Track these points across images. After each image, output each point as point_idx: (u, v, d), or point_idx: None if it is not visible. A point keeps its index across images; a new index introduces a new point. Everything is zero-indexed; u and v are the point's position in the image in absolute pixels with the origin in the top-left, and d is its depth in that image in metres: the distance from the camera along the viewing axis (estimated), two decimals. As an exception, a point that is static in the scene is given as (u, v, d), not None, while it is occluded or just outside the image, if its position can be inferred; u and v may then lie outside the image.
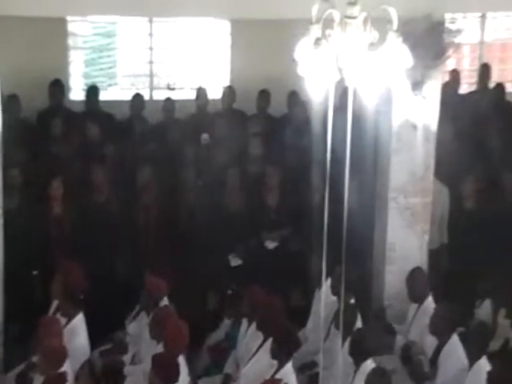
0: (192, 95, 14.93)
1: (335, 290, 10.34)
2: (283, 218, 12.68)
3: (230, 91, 14.73)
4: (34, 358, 10.54)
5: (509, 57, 15.66)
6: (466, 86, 15.60)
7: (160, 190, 12.97)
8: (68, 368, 10.20)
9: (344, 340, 10.12)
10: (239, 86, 14.59)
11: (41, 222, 12.36)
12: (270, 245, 12.64)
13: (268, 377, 10.08)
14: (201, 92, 14.67)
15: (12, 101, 13.18)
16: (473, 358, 10.40)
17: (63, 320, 11.00)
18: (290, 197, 12.73)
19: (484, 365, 10.18)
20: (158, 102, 14.76)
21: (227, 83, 15.13)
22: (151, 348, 10.65)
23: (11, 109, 12.90)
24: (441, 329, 10.96)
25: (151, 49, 15.18)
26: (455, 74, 15.23)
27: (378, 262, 12.42)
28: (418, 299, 11.71)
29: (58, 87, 14.26)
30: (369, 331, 11.10)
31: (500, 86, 15.19)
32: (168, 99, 14.63)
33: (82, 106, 14.47)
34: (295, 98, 13.54)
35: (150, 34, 15.09)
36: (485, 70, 15.26)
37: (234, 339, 11.57)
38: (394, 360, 11.00)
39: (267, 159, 13.57)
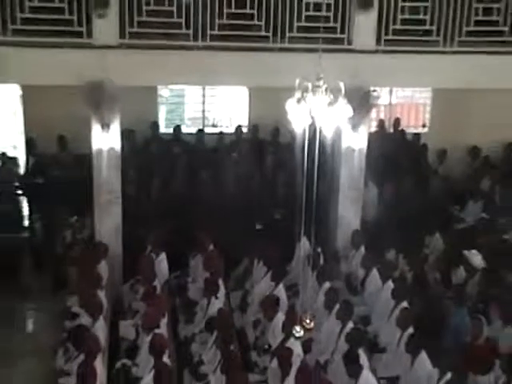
0: (227, 129, 14.92)
1: (309, 243, 10.43)
2: (284, 202, 12.65)
3: (254, 127, 14.57)
4: (138, 277, 10.99)
5: (404, 112, 15.73)
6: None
7: (211, 183, 13.02)
8: (157, 283, 10.58)
9: (313, 271, 10.46)
10: (259, 124, 14.49)
11: (143, 202, 12.55)
12: (276, 216, 12.82)
13: (268, 292, 10.44)
14: (239, 128, 14.54)
15: (130, 133, 13.28)
16: (384, 281, 10.82)
17: (154, 256, 11.27)
18: (288, 190, 12.55)
19: (390, 285, 10.58)
20: (208, 134, 14.64)
21: (246, 123, 14.94)
22: (203, 274, 10.92)
23: (130, 138, 13.22)
24: (367, 264, 11.34)
25: (203, 103, 15.12)
26: (381, 122, 15.26)
27: (333, 227, 12.47)
28: (356, 247, 11.95)
29: (155, 125, 14.22)
30: (327, 266, 11.27)
31: (403, 130, 15.18)
32: (221, 132, 14.60)
33: (166, 136, 14.41)
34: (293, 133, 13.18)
35: (203, 95, 15.01)
36: (396, 121, 15.19)
37: (249, 270, 11.73)
38: (340, 283, 11.22)
39: (276, 168, 13.64)
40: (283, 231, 12.12)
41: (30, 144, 13.66)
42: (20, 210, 13.14)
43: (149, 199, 12.74)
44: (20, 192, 13.22)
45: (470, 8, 11.65)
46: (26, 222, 13.18)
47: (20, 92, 13.77)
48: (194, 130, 14.72)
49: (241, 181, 13.34)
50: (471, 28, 11.73)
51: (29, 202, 13.26)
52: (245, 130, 14.73)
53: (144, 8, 10.81)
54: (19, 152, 13.89)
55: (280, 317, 9.70)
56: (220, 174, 13.37)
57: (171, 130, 14.51)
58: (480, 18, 11.74)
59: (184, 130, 14.65)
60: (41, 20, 10.51)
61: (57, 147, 13.45)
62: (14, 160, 13.38)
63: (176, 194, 12.87)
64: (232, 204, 12.72)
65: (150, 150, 13.95)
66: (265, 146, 14.38)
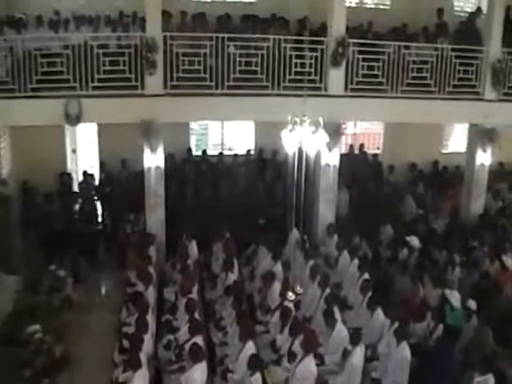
0: (239, 152, 14.42)
1: (298, 232, 10.42)
2: (280, 203, 12.13)
3: (260, 150, 14.16)
4: (176, 257, 10.77)
5: (365, 139, 15.35)
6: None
7: (227, 192, 12.68)
8: (190, 262, 10.42)
9: (301, 252, 10.43)
10: (263, 147, 14.17)
11: (179, 204, 12.11)
12: (275, 212, 12.30)
13: (269, 269, 10.14)
14: (248, 151, 14.15)
15: (171, 156, 12.82)
16: (352, 259, 10.57)
17: (187, 242, 11.06)
18: (283, 194, 12.13)
19: (356, 261, 10.43)
20: (226, 155, 14.20)
21: (253, 147, 14.48)
22: (222, 255, 10.73)
23: (170, 159, 12.66)
24: (339, 247, 11.03)
25: (222, 134, 14.69)
26: (351, 146, 14.80)
27: (315, 221, 12.15)
28: (331, 235, 11.63)
29: (189, 150, 13.90)
30: (312, 250, 10.98)
31: (365, 152, 14.82)
32: (236, 154, 14.14)
33: (196, 157, 14.00)
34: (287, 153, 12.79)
35: (222, 127, 14.60)
36: (361, 145, 14.81)
37: (255, 252, 11.41)
38: (321, 260, 10.89)
39: (275, 178, 13.21)
40: (279, 224, 11.79)
41: (101, 164, 13.51)
42: (96, 210, 12.89)
43: (183, 202, 12.37)
44: (96, 198, 12.96)
45: (408, 67, 11.83)
46: (100, 219, 12.98)
47: (96, 128, 13.55)
48: (215, 153, 14.34)
49: (248, 188, 13.01)
50: (409, 81, 11.92)
51: (101, 204, 13.03)
52: (252, 152, 14.31)
53: (181, 68, 10.83)
54: (95, 170, 13.62)
55: (276, 286, 9.50)
56: (234, 183, 13.04)
57: (200, 153, 14.13)
58: (415, 74, 11.93)
59: (209, 152, 14.28)
60: (109, 78, 10.57)
61: (120, 166, 13.26)
62: (91, 176, 13.13)
63: (203, 198, 12.49)
64: (242, 205, 12.38)
65: (184, 167, 13.56)
66: (266, 163, 13.99)
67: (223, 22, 12.49)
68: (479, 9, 13.23)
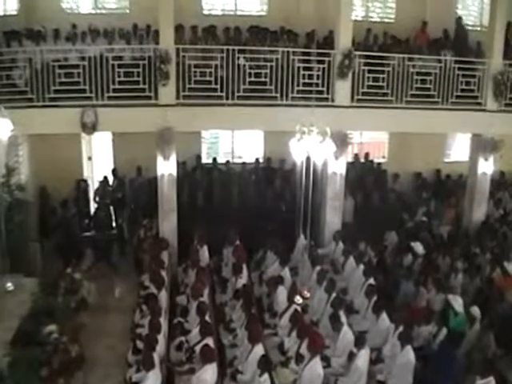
0: (248, 160, 14.25)
1: (305, 238, 10.43)
2: (289, 209, 11.96)
3: (268, 159, 14.03)
4: (188, 262, 10.61)
5: (370, 148, 15.20)
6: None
7: (239, 196, 12.60)
8: (204, 264, 10.45)
9: (308, 258, 10.34)
10: (272, 155, 14.03)
11: (191, 210, 11.97)
12: (284, 215, 12.11)
13: (277, 273, 10.00)
14: (257, 159, 14.00)
15: (183, 164, 12.93)
16: (357, 264, 10.43)
17: (199, 247, 10.94)
18: (292, 201, 11.89)
19: (362, 267, 10.26)
20: (235, 163, 14.15)
21: (262, 155, 14.31)
22: (232, 260, 10.64)
23: (182, 167, 12.80)
24: (346, 253, 10.94)
25: (232, 142, 14.68)
26: (356, 154, 14.62)
27: (321, 227, 12.07)
28: (337, 242, 11.49)
29: (198, 157, 13.89)
30: (321, 254, 10.97)
31: (371, 160, 14.73)
32: (244, 162, 14.01)
33: (207, 165, 13.90)
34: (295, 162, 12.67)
35: (232, 136, 14.57)
36: (367, 154, 14.66)
37: (264, 257, 11.25)
38: (327, 266, 10.67)
39: (284, 187, 13.08)
40: (287, 230, 11.67)
41: (114, 172, 13.48)
42: (110, 215, 12.85)
43: (195, 209, 12.26)
44: (110, 203, 12.94)
45: (412, 79, 11.86)
46: (114, 224, 12.95)
47: (111, 137, 13.62)
48: (223, 161, 14.21)
49: (257, 196, 12.87)
50: (413, 92, 11.93)
51: (116, 210, 13.05)
52: (260, 160, 14.21)
53: (192, 79, 10.89)
54: (108, 177, 13.50)
55: (281, 290, 9.43)
56: (243, 191, 12.93)
57: (211, 161, 14.05)
58: (419, 85, 11.94)
59: (219, 160, 14.16)
60: (124, 89, 10.66)
61: (135, 173, 13.26)
62: (108, 182, 13.15)
63: (213, 205, 12.42)
64: (251, 211, 12.29)
65: (195, 174, 13.53)
66: (274, 172, 13.89)
67: (233, 34, 12.54)
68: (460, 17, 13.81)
